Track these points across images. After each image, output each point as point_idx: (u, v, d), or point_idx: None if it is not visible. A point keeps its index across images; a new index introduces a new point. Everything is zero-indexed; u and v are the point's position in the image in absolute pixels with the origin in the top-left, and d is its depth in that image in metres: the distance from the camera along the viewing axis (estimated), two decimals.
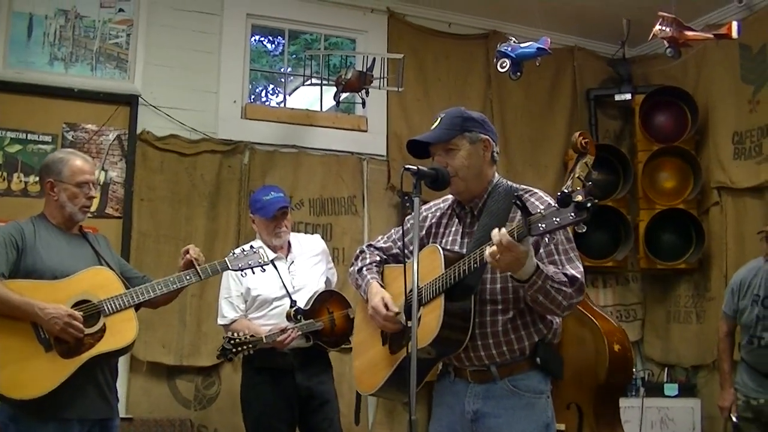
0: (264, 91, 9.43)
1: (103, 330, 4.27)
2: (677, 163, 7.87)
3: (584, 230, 3.16)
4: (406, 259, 3.79)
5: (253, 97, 8.02)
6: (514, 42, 6.40)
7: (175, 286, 4.56)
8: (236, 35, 7.31)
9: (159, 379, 6.63)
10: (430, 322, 3.61)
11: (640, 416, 7.15)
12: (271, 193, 5.76)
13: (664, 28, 6.01)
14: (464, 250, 3.78)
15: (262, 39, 8.73)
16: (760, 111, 7.21)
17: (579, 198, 3.09)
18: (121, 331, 4.32)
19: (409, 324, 3.56)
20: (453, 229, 3.96)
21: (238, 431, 6.33)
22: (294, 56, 8.40)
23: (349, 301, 5.72)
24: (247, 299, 5.63)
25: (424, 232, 4.01)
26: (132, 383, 6.54)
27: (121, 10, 6.90)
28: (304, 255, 5.81)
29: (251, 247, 4.94)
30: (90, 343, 4.23)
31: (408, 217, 4.22)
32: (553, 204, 3.31)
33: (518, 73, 6.38)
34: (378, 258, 4.21)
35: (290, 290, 5.59)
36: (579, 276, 3.59)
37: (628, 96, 8.12)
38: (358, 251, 4.32)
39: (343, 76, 6.85)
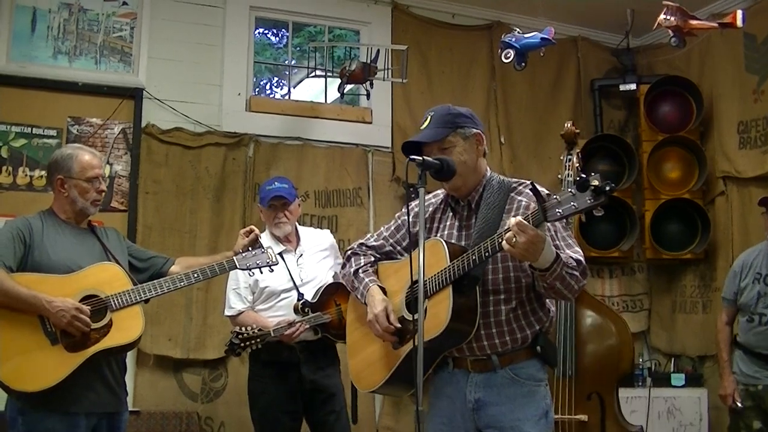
0: (268, 84, 9.40)
1: (109, 325, 4.28)
2: (682, 153, 7.85)
3: (602, 213, 3.17)
4: (413, 251, 3.76)
5: (257, 89, 8.00)
6: (518, 33, 6.39)
7: (182, 283, 4.58)
8: (240, 28, 7.30)
9: (166, 373, 6.64)
10: (438, 314, 3.63)
11: (647, 406, 7.14)
12: (275, 183, 5.77)
13: (668, 17, 5.99)
14: (463, 243, 3.82)
15: (266, 32, 8.72)
16: (765, 100, 7.19)
17: (596, 182, 3.06)
18: (127, 326, 4.32)
19: (415, 317, 3.61)
20: (448, 222, 3.99)
21: (245, 424, 6.34)
22: (298, 48, 8.39)
23: None
24: (254, 291, 5.63)
25: (416, 227, 3.94)
26: (139, 377, 6.55)
27: (124, 3, 6.91)
28: (313, 248, 5.81)
29: (260, 247, 4.90)
30: (96, 338, 4.23)
31: (398, 213, 4.29)
32: (549, 191, 3.44)
33: (523, 64, 6.38)
34: (372, 258, 4.23)
35: (298, 283, 5.60)
36: (582, 259, 3.63)
37: (633, 86, 8.10)
38: (349, 252, 4.33)
39: (347, 68, 6.85)
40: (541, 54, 6.39)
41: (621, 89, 8.20)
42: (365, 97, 7.30)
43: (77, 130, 6.61)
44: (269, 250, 4.87)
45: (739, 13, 5.82)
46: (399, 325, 3.85)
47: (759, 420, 6.00)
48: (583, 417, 5.41)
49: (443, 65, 7.94)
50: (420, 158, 3.57)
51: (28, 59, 6.57)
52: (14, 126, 6.47)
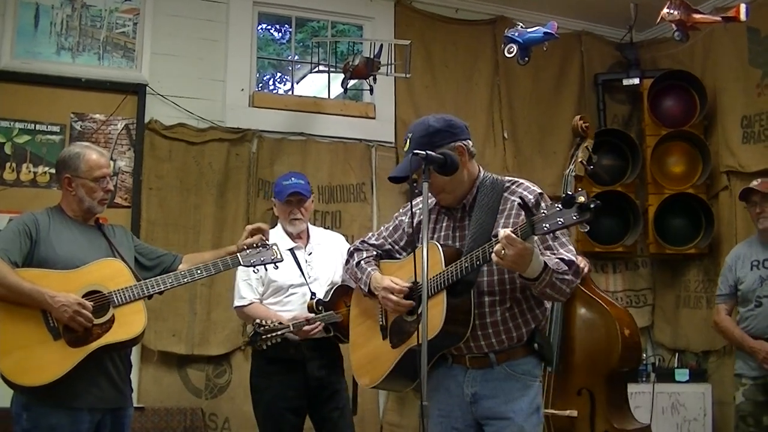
0: (271, 79, 9.41)
1: (111, 321, 4.28)
2: (686, 148, 7.85)
3: (587, 230, 3.34)
4: (415, 248, 3.88)
5: (260, 85, 8.01)
6: (521, 27, 6.39)
7: (186, 279, 4.57)
8: (243, 23, 7.30)
9: (170, 369, 6.65)
10: (433, 317, 3.68)
11: (651, 402, 7.13)
12: (292, 178, 5.75)
13: (671, 11, 5.99)
14: (457, 245, 3.90)
15: (269, 27, 8.72)
16: None
17: (581, 199, 3.15)
18: (129, 322, 4.32)
19: (413, 319, 3.84)
20: (444, 224, 4.02)
21: (249, 420, 6.34)
22: (301, 44, 8.40)
23: None
24: (264, 284, 5.64)
25: (412, 229, 4.08)
26: (143, 372, 6.56)
27: None
28: (323, 247, 5.81)
29: (264, 245, 4.89)
30: (98, 333, 4.23)
31: (396, 213, 4.35)
32: (541, 190, 3.71)
33: (526, 59, 6.37)
34: (374, 253, 4.29)
35: (307, 279, 5.61)
36: (574, 259, 3.70)
37: (636, 80, 8.10)
38: (352, 248, 4.41)
39: (350, 63, 6.84)
40: (544, 48, 6.38)
41: (624, 84, 8.20)
42: (368, 92, 7.30)
43: (80, 126, 6.62)
44: (274, 247, 4.85)
45: (743, 7, 5.81)
46: (408, 284, 3.91)
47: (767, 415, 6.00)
48: (573, 412, 5.39)
49: (447, 60, 7.94)
50: (423, 153, 3.59)
51: (31, 56, 6.57)
52: (18, 122, 6.48)
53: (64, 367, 4.14)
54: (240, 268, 5.56)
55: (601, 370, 5.49)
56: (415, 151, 3.59)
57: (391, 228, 4.30)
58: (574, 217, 3.18)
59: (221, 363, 6.80)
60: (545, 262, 3.54)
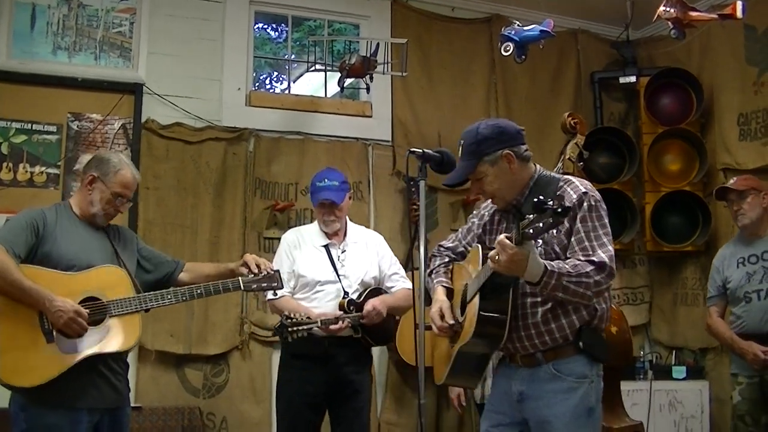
0: (268, 79, 9.40)
1: (106, 330, 4.28)
2: (683, 146, 7.85)
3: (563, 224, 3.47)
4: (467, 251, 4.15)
5: (257, 84, 8.00)
6: (517, 25, 6.39)
7: (184, 297, 4.60)
8: (239, 22, 7.30)
9: (167, 368, 6.64)
10: (470, 319, 3.83)
11: (648, 399, 7.15)
12: (325, 179, 5.73)
13: (668, 9, 5.99)
14: None
15: (266, 26, 8.71)
16: (765, 92, 7.20)
17: (551, 203, 3.23)
18: (123, 333, 4.32)
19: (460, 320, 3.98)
20: (504, 225, 4.10)
21: (247, 419, 6.36)
22: (298, 43, 8.40)
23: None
24: (294, 278, 5.66)
25: (480, 230, 4.18)
26: (141, 372, 6.55)
27: None
28: (359, 245, 5.82)
29: (268, 272, 4.86)
30: (91, 341, 4.23)
31: (470, 216, 4.44)
32: (593, 188, 3.85)
33: (523, 57, 6.38)
34: (447, 258, 4.38)
35: (341, 275, 5.63)
36: (607, 261, 3.71)
37: (633, 78, 8.11)
38: (430, 254, 4.48)
39: (347, 62, 6.84)
40: (541, 47, 6.39)
41: (621, 81, 8.21)
42: (365, 90, 7.30)
43: (77, 126, 6.62)
44: (277, 275, 4.81)
45: (739, 5, 5.81)
46: (452, 322, 4.00)
47: (765, 413, 6.00)
48: None
49: (443, 58, 7.94)
50: (420, 150, 3.64)
51: (28, 56, 6.57)
52: (14, 122, 6.48)
53: (54, 372, 4.13)
54: (274, 261, 5.62)
55: None
56: (412, 149, 3.65)
57: (465, 230, 4.36)
58: (550, 221, 3.27)
59: (219, 362, 6.79)
60: (546, 266, 3.57)
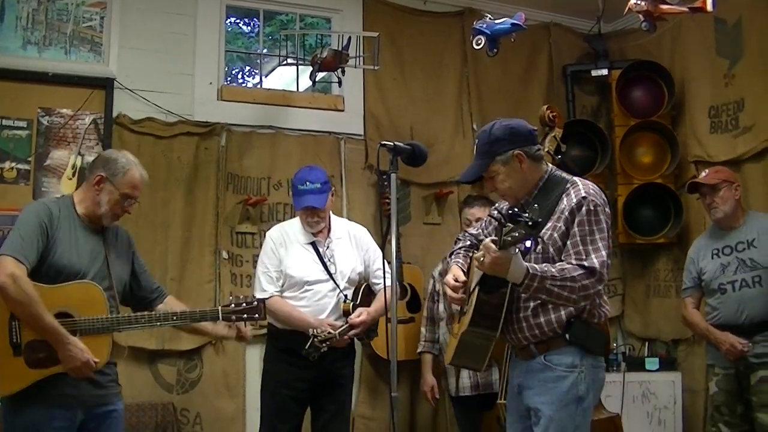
0: (240, 73, 9.40)
1: None
2: (654, 138, 7.87)
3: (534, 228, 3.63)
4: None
5: (229, 78, 7.99)
6: (489, 19, 6.40)
7: (158, 323, 4.65)
8: (211, 17, 7.26)
9: (141, 364, 6.59)
10: (470, 308, 4.11)
11: (621, 390, 7.18)
12: (307, 182, 5.78)
13: (639, 2, 6.01)
14: None
15: (237, 21, 8.70)
16: (735, 85, 7.22)
17: (525, 215, 3.57)
18: (92, 353, 4.29)
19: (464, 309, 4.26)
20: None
21: (221, 414, 6.34)
22: (269, 37, 8.38)
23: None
24: (282, 277, 5.65)
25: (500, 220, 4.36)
26: None
27: None
28: (343, 241, 5.87)
29: (250, 303, 4.80)
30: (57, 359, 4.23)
31: (493, 206, 4.71)
32: (597, 192, 4.12)
33: (495, 50, 6.39)
34: (469, 243, 4.62)
35: (332, 272, 5.67)
36: (598, 266, 3.93)
37: (605, 71, 8.13)
38: (456, 237, 4.79)
39: (318, 56, 6.82)
40: (512, 40, 6.40)
41: (593, 74, 8.23)
42: (337, 84, 7.28)
43: (48, 121, 6.57)
44: (261, 305, 4.79)
45: None
46: (464, 278, 4.28)
47: (742, 404, 6.04)
48: None
49: (415, 52, 7.93)
50: (391, 143, 3.72)
51: None
52: None
53: (22, 384, 4.16)
54: (259, 260, 5.64)
55: None
56: (383, 142, 3.80)
57: (487, 221, 4.59)
58: (522, 232, 3.57)
59: (192, 357, 6.76)
60: (528, 269, 3.79)
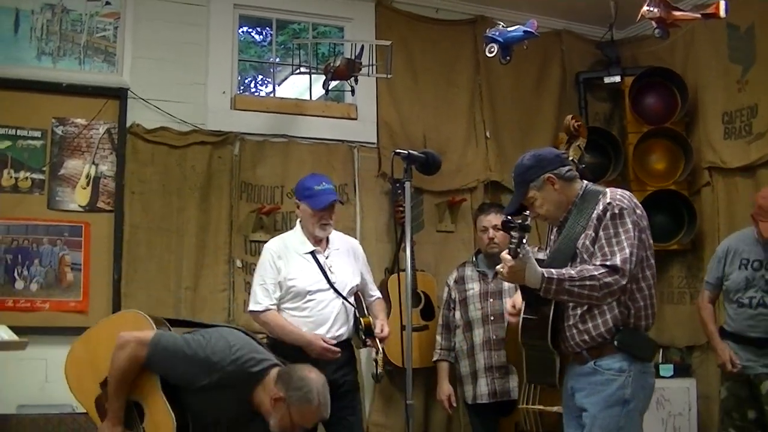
0: (253, 82, 9.41)
1: None
2: (667, 145, 7.86)
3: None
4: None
5: (242, 87, 8.01)
6: (501, 26, 6.40)
7: None
8: (224, 26, 7.28)
9: None
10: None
11: None
12: (323, 183, 5.78)
13: (651, 8, 6.00)
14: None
15: (250, 30, 8.71)
16: (748, 90, 7.21)
17: (519, 221, 3.92)
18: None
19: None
20: (554, 236, 4.62)
21: None
22: (282, 46, 8.39)
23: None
24: (282, 289, 5.65)
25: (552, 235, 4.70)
26: None
27: (107, 3, 6.88)
28: (341, 252, 5.86)
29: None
30: None
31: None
32: (623, 197, 4.32)
33: (508, 58, 6.38)
34: None
35: (333, 283, 5.66)
36: (620, 263, 4.11)
37: (617, 78, 8.11)
38: None
39: (331, 64, 6.82)
40: (525, 47, 6.39)
41: (606, 81, 8.21)
42: (350, 93, 7.28)
43: (62, 131, 6.60)
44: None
45: (722, 4, 5.81)
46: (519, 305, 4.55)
47: (754, 410, 6.03)
48: (560, 408, 5.43)
49: (428, 60, 7.94)
50: (405, 151, 3.78)
51: (12, 61, 6.54)
52: None
53: None
54: (256, 272, 5.76)
55: None
56: (397, 150, 4.10)
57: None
58: (519, 234, 3.91)
59: None
60: (543, 274, 4.01)
